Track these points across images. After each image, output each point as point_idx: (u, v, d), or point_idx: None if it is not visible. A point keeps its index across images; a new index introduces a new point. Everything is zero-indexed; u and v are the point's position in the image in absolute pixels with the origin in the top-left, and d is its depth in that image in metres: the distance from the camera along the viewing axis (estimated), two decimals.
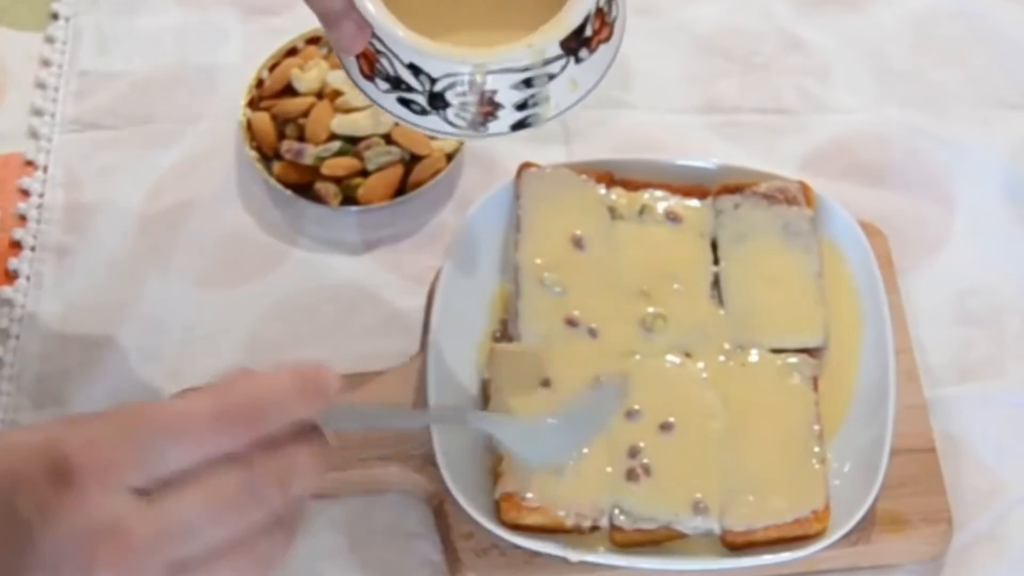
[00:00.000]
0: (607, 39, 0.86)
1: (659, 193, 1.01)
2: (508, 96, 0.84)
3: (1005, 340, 1.02)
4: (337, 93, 1.07)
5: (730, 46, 1.14)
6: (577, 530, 0.91)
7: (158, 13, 1.16)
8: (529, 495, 0.91)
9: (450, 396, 0.95)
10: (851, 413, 0.96)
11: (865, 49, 1.14)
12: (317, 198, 1.05)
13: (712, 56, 1.14)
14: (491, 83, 0.84)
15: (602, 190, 1.01)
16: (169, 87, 1.12)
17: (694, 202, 1.01)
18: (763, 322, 0.97)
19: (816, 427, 0.94)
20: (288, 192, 1.05)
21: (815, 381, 0.95)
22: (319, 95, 1.07)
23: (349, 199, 1.05)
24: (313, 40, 1.11)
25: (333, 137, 1.06)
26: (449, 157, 1.06)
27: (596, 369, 0.95)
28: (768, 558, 0.91)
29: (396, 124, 1.05)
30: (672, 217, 1.01)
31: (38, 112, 1.11)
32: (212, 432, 0.69)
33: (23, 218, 1.07)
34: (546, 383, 0.95)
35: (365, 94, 0.87)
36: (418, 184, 1.05)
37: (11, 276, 1.04)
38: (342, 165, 1.05)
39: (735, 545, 0.91)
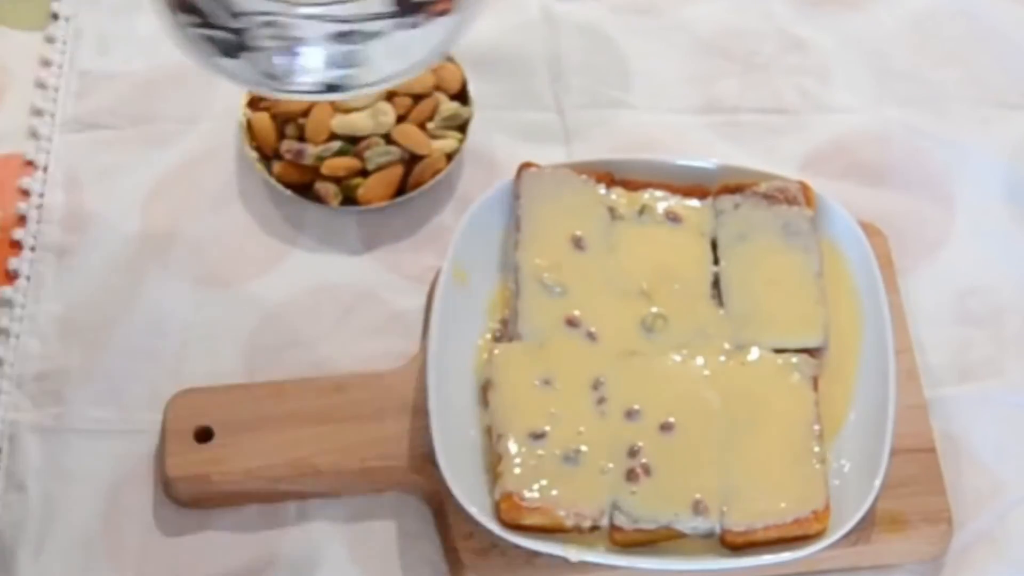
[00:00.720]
0: (446, 12, 0.79)
1: (659, 193, 1.01)
2: (320, 48, 0.78)
3: (1005, 340, 1.02)
4: None
5: (730, 46, 1.14)
6: (577, 530, 0.91)
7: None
8: (529, 495, 0.91)
9: (450, 396, 0.95)
10: (851, 413, 0.96)
11: (865, 49, 1.14)
12: (317, 198, 1.05)
13: (712, 56, 1.14)
14: (302, 29, 0.77)
15: (602, 190, 1.01)
16: (169, 87, 1.12)
17: (694, 202, 1.01)
18: (763, 322, 0.97)
19: (816, 427, 0.94)
20: (288, 192, 1.05)
21: (815, 381, 0.96)
22: None
23: (349, 199, 1.05)
24: None
25: (333, 137, 1.06)
26: (449, 157, 1.06)
27: (596, 369, 0.95)
28: (768, 558, 0.91)
29: (397, 124, 1.06)
30: (672, 217, 1.01)
31: (38, 112, 1.11)
32: None
33: (23, 218, 1.07)
34: (546, 383, 0.95)
35: (164, 25, 0.79)
36: (418, 184, 1.05)
37: (11, 276, 1.04)
38: (342, 165, 1.05)
39: (735, 545, 0.91)
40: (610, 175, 1.02)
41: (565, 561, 0.91)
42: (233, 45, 0.77)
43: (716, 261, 1.00)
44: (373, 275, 1.04)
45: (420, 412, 0.95)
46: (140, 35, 1.15)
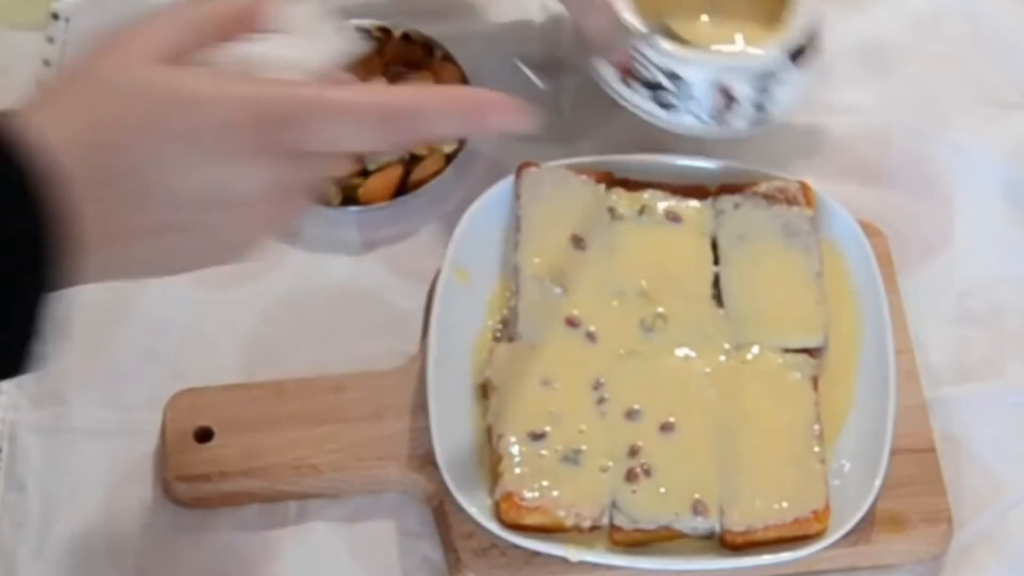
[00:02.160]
0: (816, 51, 1.03)
1: (659, 193, 1.01)
2: (745, 94, 1.01)
3: (1005, 340, 1.02)
4: None
5: None
6: (577, 530, 0.91)
7: None
8: (529, 495, 0.91)
9: (450, 396, 0.95)
10: (851, 413, 0.96)
11: (865, 49, 1.14)
12: (317, 198, 1.05)
13: None
14: (733, 83, 1.01)
15: (602, 190, 1.01)
16: None
17: (694, 202, 1.01)
18: (763, 322, 0.97)
19: (816, 427, 0.94)
20: None
21: (815, 381, 0.96)
22: None
23: (349, 199, 1.05)
24: None
25: None
26: (449, 157, 1.06)
27: (596, 369, 0.95)
28: (768, 558, 0.91)
29: None
30: (672, 217, 1.01)
31: None
32: (375, 124, 0.78)
33: None
34: (546, 383, 0.95)
35: (620, 96, 1.03)
36: (418, 184, 1.05)
37: None
38: None
39: (735, 545, 0.91)
40: (610, 175, 1.02)
41: (565, 561, 0.91)
42: (683, 104, 1.02)
43: (716, 261, 1.00)
44: (373, 275, 1.04)
45: (420, 412, 0.95)
46: None
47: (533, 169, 1.02)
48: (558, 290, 0.98)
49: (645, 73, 1.02)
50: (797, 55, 1.02)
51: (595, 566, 0.91)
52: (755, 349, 0.96)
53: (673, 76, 1.01)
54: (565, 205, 1.00)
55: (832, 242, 1.01)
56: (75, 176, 0.72)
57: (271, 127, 0.75)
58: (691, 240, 1.00)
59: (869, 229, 1.02)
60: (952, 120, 1.11)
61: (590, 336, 0.97)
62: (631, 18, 1.01)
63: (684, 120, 1.02)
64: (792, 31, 1.02)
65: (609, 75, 1.04)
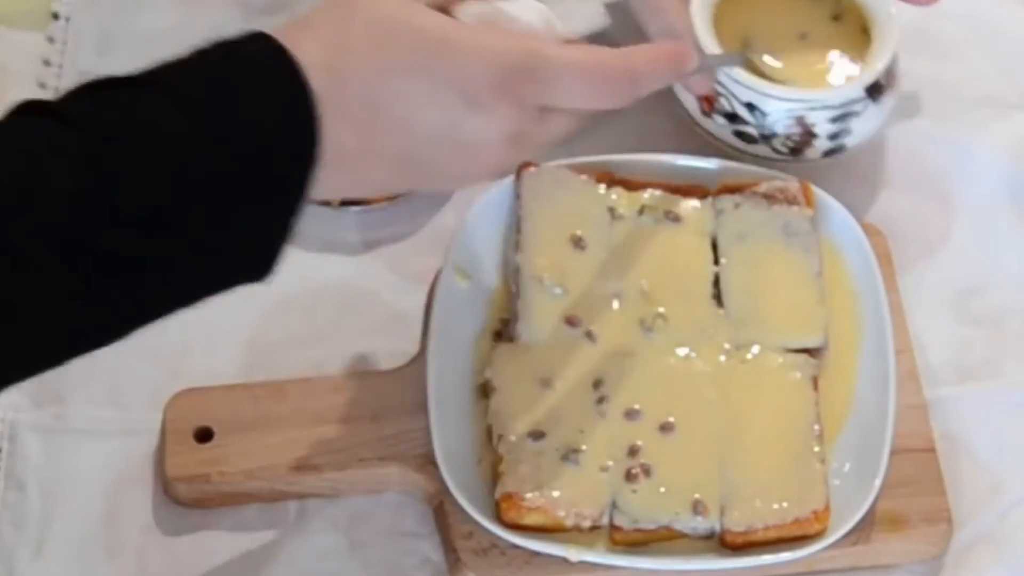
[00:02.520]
0: (893, 87, 1.04)
1: (659, 193, 1.01)
2: (824, 128, 1.02)
3: (1005, 340, 1.02)
4: None
5: None
6: (577, 530, 0.91)
7: (158, 13, 1.16)
8: (529, 495, 0.91)
9: (450, 396, 0.95)
10: (851, 413, 0.96)
11: None
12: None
13: None
14: (812, 117, 1.02)
15: (602, 190, 1.01)
16: None
17: (694, 202, 1.01)
18: (763, 322, 0.97)
19: (816, 427, 0.94)
20: None
21: (815, 381, 0.96)
22: None
23: (349, 199, 1.05)
24: None
25: None
26: None
27: (596, 369, 0.95)
28: (768, 558, 0.91)
29: None
30: (672, 217, 1.01)
31: None
32: (605, 84, 0.85)
33: None
34: (546, 383, 0.95)
35: (703, 128, 1.05)
36: None
37: None
38: None
39: (735, 545, 0.91)
40: (610, 175, 1.02)
41: (565, 561, 0.91)
42: (762, 135, 1.03)
43: (716, 261, 1.00)
44: (373, 275, 1.04)
45: (420, 412, 0.95)
46: (140, 35, 1.15)
47: (533, 169, 1.02)
48: (558, 290, 0.98)
49: (725, 104, 1.03)
50: (874, 90, 1.03)
51: (595, 566, 0.91)
52: (755, 349, 0.96)
53: (753, 108, 1.02)
54: (565, 205, 1.00)
55: (832, 242, 1.01)
56: (328, 98, 0.78)
57: (519, 80, 0.82)
58: (691, 240, 1.00)
59: (869, 229, 1.02)
60: (952, 120, 1.11)
61: (590, 336, 0.97)
62: (713, 46, 1.02)
63: (760, 151, 1.04)
64: (872, 66, 1.02)
65: (688, 102, 1.05)
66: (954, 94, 1.12)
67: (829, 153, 1.04)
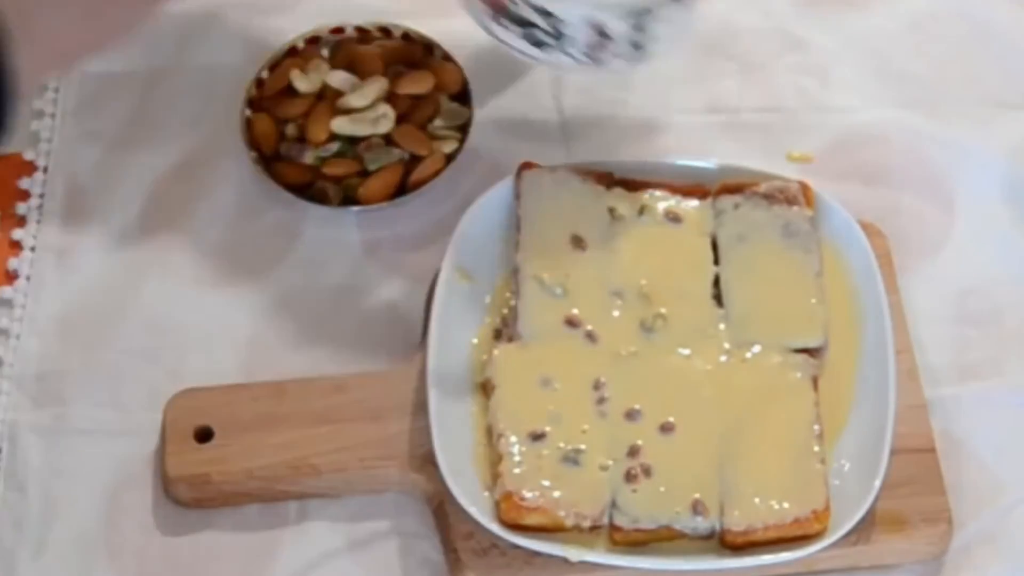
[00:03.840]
0: None
1: (659, 193, 1.01)
2: (621, 33, 0.96)
3: (1005, 340, 1.02)
4: (337, 93, 1.07)
5: (730, 45, 1.14)
6: (577, 530, 0.91)
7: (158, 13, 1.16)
8: (529, 495, 0.91)
9: (450, 396, 0.95)
10: (851, 413, 0.96)
11: (865, 49, 1.14)
12: (317, 198, 1.05)
13: (712, 56, 1.14)
14: (609, 21, 0.95)
15: (602, 190, 1.01)
16: (169, 87, 1.12)
17: (694, 202, 1.01)
18: (763, 322, 0.97)
19: (816, 427, 0.94)
20: (288, 192, 1.05)
21: (815, 381, 0.96)
22: (319, 95, 1.07)
23: (349, 199, 1.05)
24: (313, 40, 1.11)
25: (333, 137, 1.06)
26: (449, 157, 1.06)
27: (596, 369, 0.95)
28: (768, 558, 0.91)
29: (397, 125, 1.06)
30: (672, 217, 1.01)
31: (38, 113, 1.11)
32: None
33: (23, 218, 1.07)
34: (546, 383, 0.95)
35: (492, 34, 0.99)
36: (418, 184, 1.05)
37: (11, 276, 1.04)
38: (342, 165, 1.05)
39: (735, 545, 0.91)
40: (610, 175, 1.02)
41: (565, 561, 0.91)
42: (556, 40, 0.97)
43: (716, 261, 1.00)
44: (373, 275, 1.04)
45: (420, 412, 0.95)
46: (140, 35, 1.15)
47: (533, 169, 1.02)
48: (558, 290, 0.98)
49: (515, 10, 0.97)
50: None
51: (595, 566, 0.91)
52: (755, 349, 0.96)
53: (544, 13, 0.96)
54: (565, 205, 1.00)
55: (832, 242, 1.01)
56: None
57: None
58: (691, 240, 1.00)
59: (869, 229, 1.02)
60: (952, 120, 1.11)
61: (590, 336, 0.97)
62: None
63: (558, 59, 0.98)
64: None
65: (479, 11, 0.99)
66: (954, 94, 1.12)
67: (633, 61, 0.99)
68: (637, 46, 0.98)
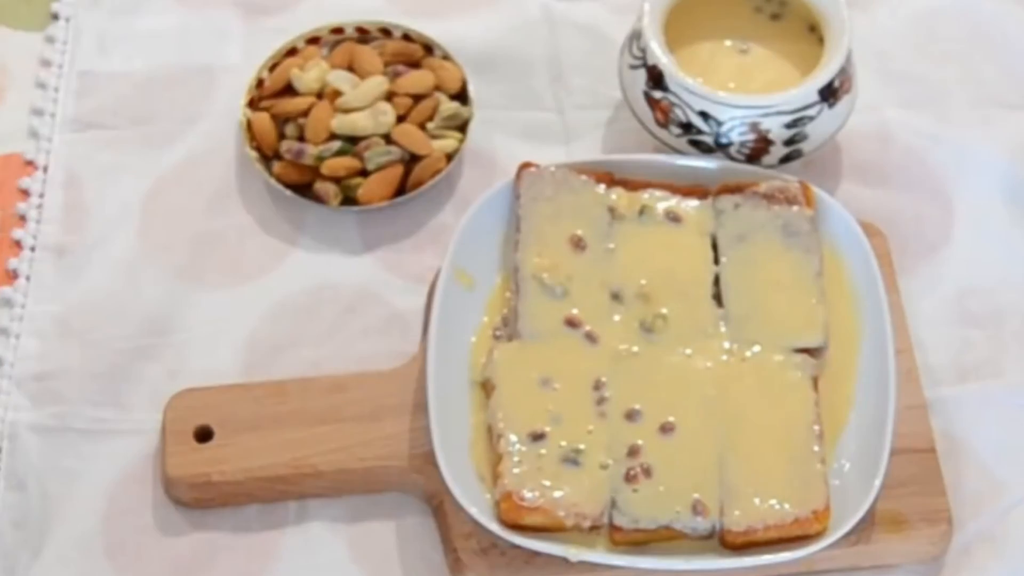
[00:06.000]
0: (849, 90, 1.04)
1: (659, 193, 1.01)
2: (779, 134, 1.02)
3: (1005, 340, 1.02)
4: (337, 93, 1.07)
5: None
6: (577, 530, 0.91)
7: (158, 13, 1.16)
8: (529, 495, 0.91)
9: (450, 396, 0.95)
10: (851, 413, 0.96)
11: (865, 49, 1.14)
12: (317, 198, 1.05)
13: None
14: (766, 124, 1.01)
15: (602, 190, 1.01)
16: (169, 87, 1.12)
17: (694, 202, 1.01)
18: (763, 322, 0.97)
19: (816, 427, 0.94)
20: (288, 192, 1.05)
21: (815, 381, 0.96)
22: (319, 95, 1.07)
23: (349, 199, 1.05)
24: (313, 40, 1.11)
25: (333, 137, 1.06)
26: (449, 157, 1.06)
27: (596, 369, 0.95)
28: (768, 558, 0.91)
29: (397, 124, 1.06)
30: (672, 217, 1.01)
31: (38, 112, 1.11)
32: None
33: (23, 218, 1.07)
34: (546, 383, 0.95)
35: (659, 139, 1.05)
36: (418, 184, 1.05)
37: (11, 276, 1.04)
38: (342, 165, 1.05)
39: (735, 545, 0.91)
40: (610, 175, 1.02)
41: (565, 561, 0.91)
42: (717, 144, 1.03)
43: (716, 261, 1.00)
44: (373, 275, 1.04)
45: (420, 412, 0.95)
46: (140, 35, 1.15)
47: (533, 169, 1.02)
48: (558, 290, 0.98)
49: (679, 114, 1.02)
50: (828, 93, 1.02)
51: (595, 566, 0.91)
52: (755, 349, 0.96)
53: (707, 117, 1.01)
54: (565, 205, 1.00)
55: (832, 242, 1.01)
56: None
57: None
58: (691, 240, 1.00)
59: (869, 229, 1.02)
60: (952, 120, 1.11)
61: (590, 336, 0.97)
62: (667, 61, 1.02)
63: (717, 159, 1.03)
64: (826, 68, 1.01)
65: (643, 113, 1.04)
66: (954, 94, 1.12)
67: (786, 159, 1.03)
68: (791, 146, 1.03)
